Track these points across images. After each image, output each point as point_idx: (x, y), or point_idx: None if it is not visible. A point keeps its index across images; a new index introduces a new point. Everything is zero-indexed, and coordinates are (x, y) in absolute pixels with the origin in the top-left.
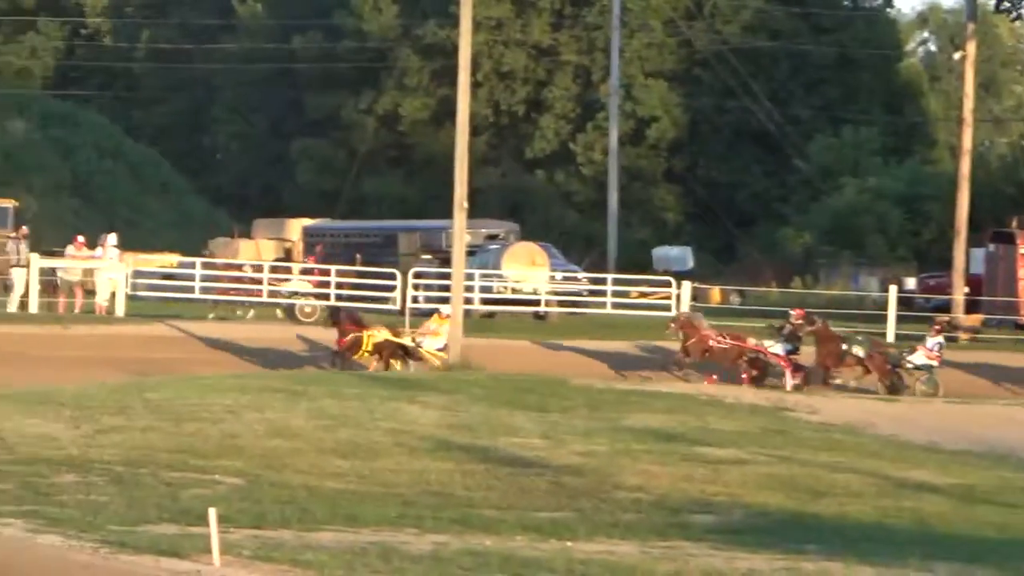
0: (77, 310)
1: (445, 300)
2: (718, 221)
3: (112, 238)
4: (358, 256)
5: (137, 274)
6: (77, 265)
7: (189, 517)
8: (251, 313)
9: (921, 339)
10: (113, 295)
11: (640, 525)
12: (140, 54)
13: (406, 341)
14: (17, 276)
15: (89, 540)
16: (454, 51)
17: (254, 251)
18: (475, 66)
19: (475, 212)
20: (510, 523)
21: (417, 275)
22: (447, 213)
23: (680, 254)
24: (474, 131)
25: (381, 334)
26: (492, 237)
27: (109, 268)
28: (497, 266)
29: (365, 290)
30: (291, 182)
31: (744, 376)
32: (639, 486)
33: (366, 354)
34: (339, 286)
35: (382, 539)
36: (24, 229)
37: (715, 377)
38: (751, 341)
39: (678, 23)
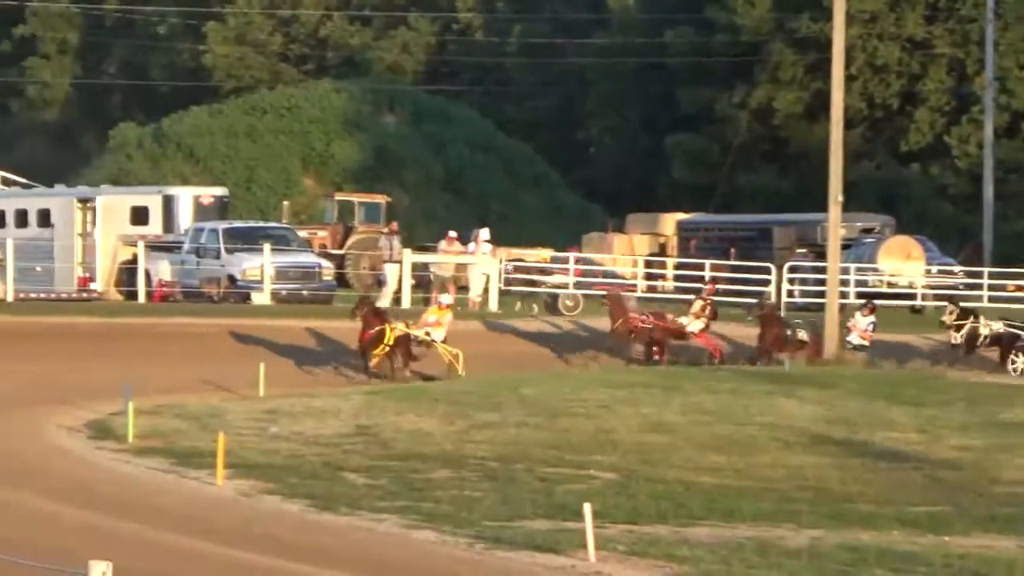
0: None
1: (820, 295)
2: None
3: (484, 233)
4: (732, 250)
5: (512, 269)
6: (450, 260)
7: (564, 513)
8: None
9: None
10: (486, 290)
11: (1019, 520)
12: (511, 49)
13: (419, 334)
14: (390, 272)
15: (463, 536)
16: (828, 45)
17: (628, 245)
18: (849, 59)
19: (849, 206)
20: (887, 517)
21: (792, 269)
22: (821, 207)
23: None
24: (848, 124)
25: (400, 328)
26: (867, 231)
27: (482, 263)
28: (873, 260)
29: (739, 284)
30: (665, 176)
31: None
32: (1018, 480)
33: (386, 348)
34: (713, 280)
35: (758, 534)
36: (394, 225)
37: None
38: (670, 319)
39: None
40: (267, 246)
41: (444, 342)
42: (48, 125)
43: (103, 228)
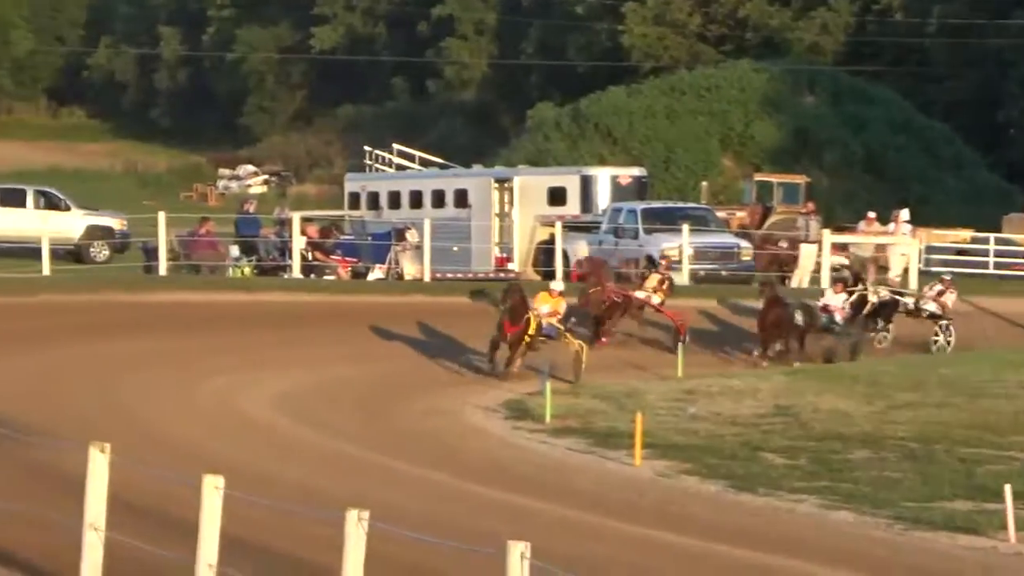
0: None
1: None
2: None
3: (904, 213)
4: None
5: (930, 249)
6: (869, 241)
7: (984, 494)
8: None
9: None
10: (906, 270)
11: None
12: (931, 29)
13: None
14: (806, 252)
15: (882, 517)
16: None
17: None
18: None
19: None
20: None
21: None
22: None
23: None
24: None
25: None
26: None
27: (902, 244)
28: None
29: None
30: None
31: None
32: None
33: (527, 339)
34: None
35: None
36: (812, 205)
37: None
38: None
39: None
40: (685, 227)
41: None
42: (465, 105)
43: (521, 209)
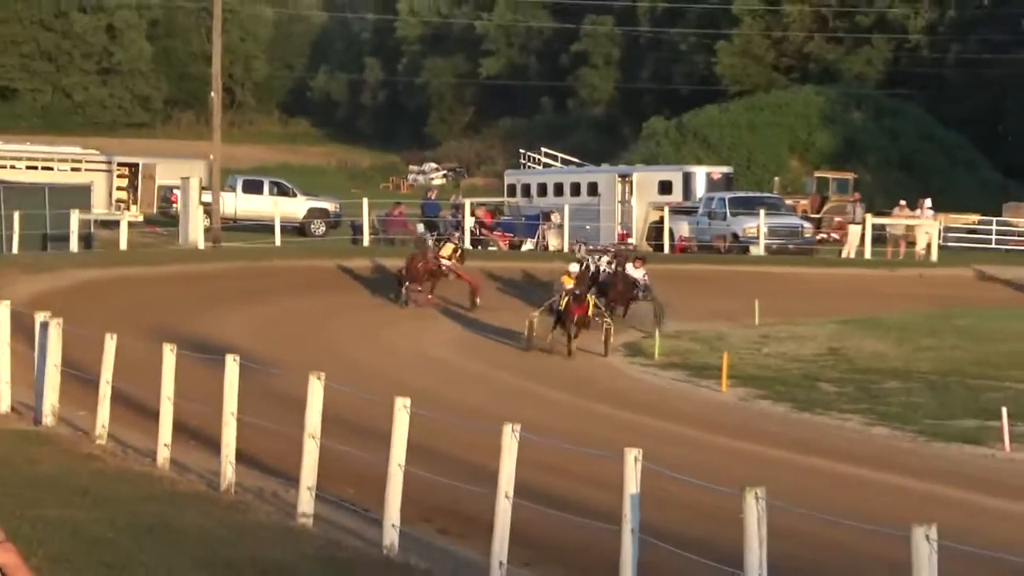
0: (901, 256)
1: None
2: None
3: (928, 202)
4: None
5: (948, 229)
6: (900, 223)
7: (987, 414)
8: None
9: None
10: (929, 245)
11: None
12: (950, 62)
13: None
14: (853, 231)
15: (909, 431)
16: None
17: None
18: None
19: None
20: None
21: None
22: None
23: None
24: None
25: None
26: None
27: (926, 224)
28: None
29: None
30: None
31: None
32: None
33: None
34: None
35: None
36: (858, 195)
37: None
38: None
39: None
40: (762, 211)
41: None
42: (595, 118)
43: (637, 197)
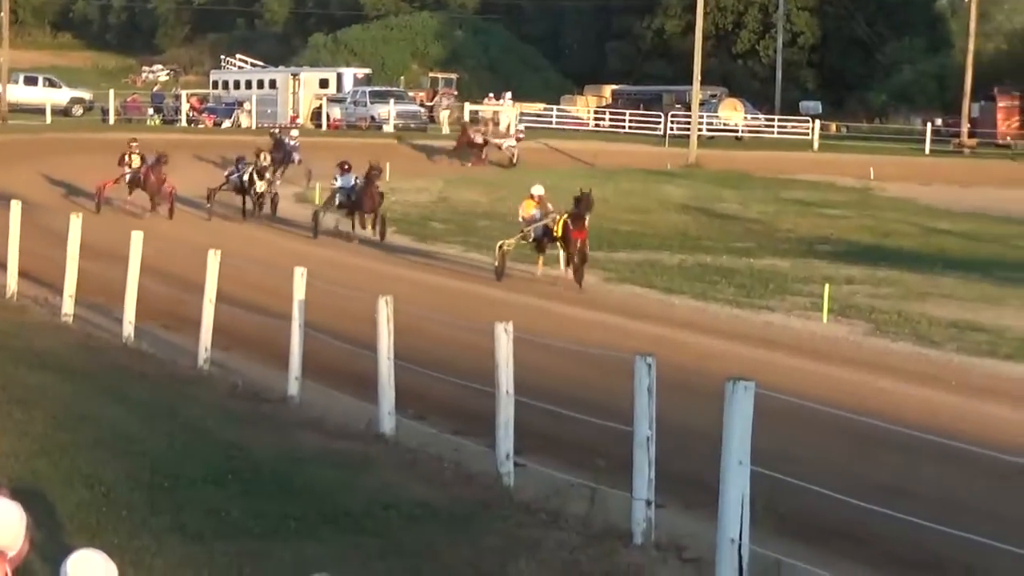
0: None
1: (686, 129)
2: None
3: (508, 95)
4: (640, 105)
5: (523, 114)
6: (488, 108)
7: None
8: None
9: None
10: (508, 125)
11: (790, 250)
12: None
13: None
14: (442, 116)
15: (486, 253)
16: None
17: (584, 103)
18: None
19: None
20: (719, 249)
21: (672, 116)
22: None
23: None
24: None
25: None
26: (712, 96)
27: (507, 111)
28: (715, 111)
29: (646, 121)
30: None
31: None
32: (790, 229)
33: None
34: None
35: (650, 257)
36: (454, 90)
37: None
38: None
39: None
40: (392, 100)
41: None
42: (275, 33)
43: (304, 90)
